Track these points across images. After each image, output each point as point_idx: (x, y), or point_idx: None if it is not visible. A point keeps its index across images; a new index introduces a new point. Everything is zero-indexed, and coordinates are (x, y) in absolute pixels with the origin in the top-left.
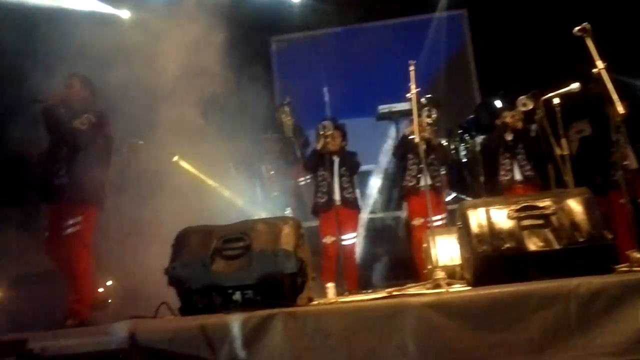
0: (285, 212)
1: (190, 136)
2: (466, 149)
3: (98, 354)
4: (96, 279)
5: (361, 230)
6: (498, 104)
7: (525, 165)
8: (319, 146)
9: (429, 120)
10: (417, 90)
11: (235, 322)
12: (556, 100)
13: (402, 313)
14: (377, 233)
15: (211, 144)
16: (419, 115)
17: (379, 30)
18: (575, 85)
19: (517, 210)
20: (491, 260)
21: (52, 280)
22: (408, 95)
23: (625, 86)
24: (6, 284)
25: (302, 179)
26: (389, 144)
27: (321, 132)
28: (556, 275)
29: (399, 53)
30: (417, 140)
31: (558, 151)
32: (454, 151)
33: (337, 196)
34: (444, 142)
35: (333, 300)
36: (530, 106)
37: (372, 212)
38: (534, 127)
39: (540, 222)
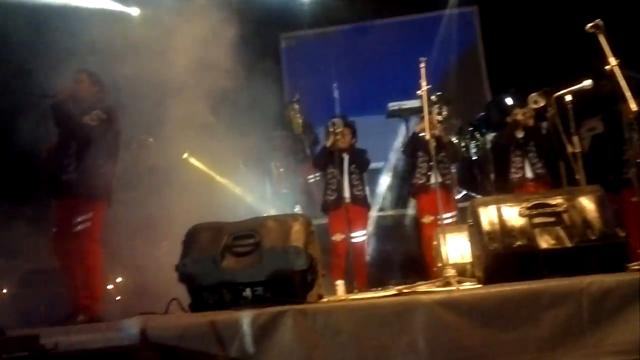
0: (295, 210)
1: (200, 133)
2: (477, 146)
3: (109, 350)
4: (106, 275)
5: (371, 227)
6: (509, 101)
7: (536, 163)
8: (328, 143)
9: (439, 118)
10: (428, 87)
11: (245, 318)
12: (568, 98)
13: (413, 311)
14: (386, 231)
15: (220, 141)
16: (429, 113)
17: (389, 27)
18: (587, 82)
19: (529, 208)
20: (502, 257)
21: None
22: (419, 92)
23: (638, 83)
24: (17, 280)
25: (311, 176)
26: (398, 142)
27: (331, 130)
28: (568, 273)
29: (409, 50)
30: (427, 137)
31: (570, 149)
32: (464, 149)
33: (346, 194)
34: (454, 140)
35: (343, 298)
36: (542, 103)
37: (381, 209)
38: (545, 124)
39: (552, 219)
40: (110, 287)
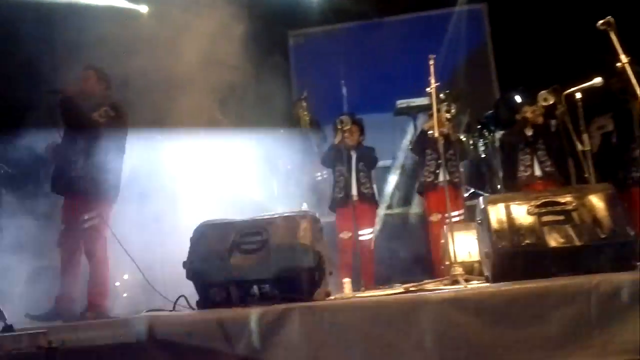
0: (302, 208)
1: (208, 129)
2: (485, 144)
3: (117, 347)
4: (113, 272)
5: (378, 225)
6: (518, 99)
7: (545, 161)
8: (336, 141)
9: (447, 116)
10: (437, 84)
11: (252, 316)
12: (578, 95)
13: (421, 309)
14: (393, 229)
15: (228, 137)
16: (438, 111)
17: (397, 24)
18: (597, 80)
19: (538, 206)
20: (511, 256)
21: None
22: (428, 89)
23: None
24: (26, 277)
25: (319, 174)
26: (407, 139)
27: (339, 127)
28: (577, 271)
29: (417, 48)
30: (436, 135)
31: (579, 147)
32: (473, 146)
33: (354, 191)
34: (463, 138)
35: (350, 296)
36: (551, 101)
37: (389, 207)
38: (554, 122)
39: (561, 218)
40: (117, 284)
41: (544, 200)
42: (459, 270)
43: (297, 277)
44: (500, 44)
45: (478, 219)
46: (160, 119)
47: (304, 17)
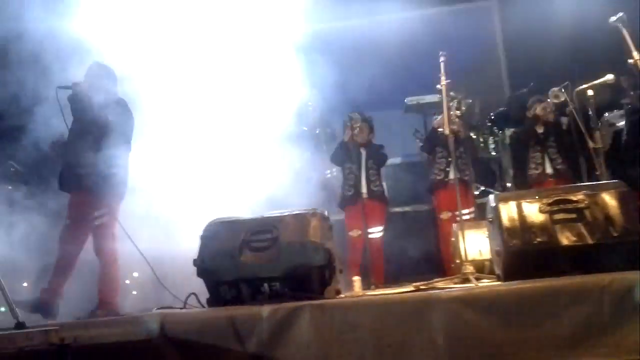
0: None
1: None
2: (495, 142)
3: (128, 344)
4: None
5: (387, 223)
6: (528, 96)
7: (556, 158)
8: (346, 138)
9: (457, 113)
10: (447, 82)
11: (263, 314)
12: (589, 92)
13: (431, 307)
14: (403, 226)
15: (238, 135)
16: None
17: (407, 21)
18: (609, 77)
19: (550, 204)
20: (522, 254)
21: (81, 271)
22: (438, 86)
23: None
24: (36, 274)
25: (328, 171)
26: (416, 137)
27: (348, 125)
28: (589, 270)
29: (427, 45)
30: (446, 132)
31: (591, 144)
32: (483, 144)
33: (364, 189)
34: (473, 135)
35: (361, 294)
36: (562, 98)
37: (398, 205)
38: (564, 119)
39: (573, 216)
40: (127, 281)
41: (555, 198)
42: (469, 268)
43: (308, 275)
44: (510, 41)
45: (489, 216)
46: (170, 112)
47: (312, 12)
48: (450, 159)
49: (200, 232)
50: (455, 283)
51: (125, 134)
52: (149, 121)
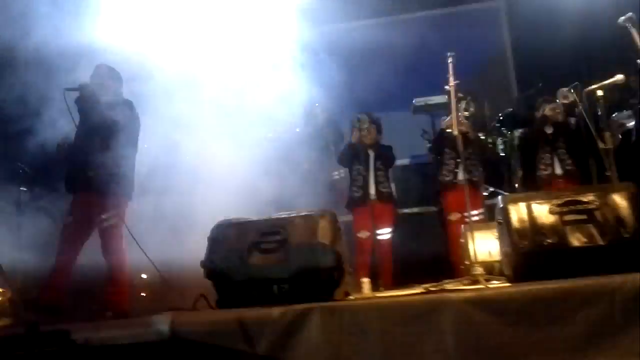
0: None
1: (225, 128)
2: (504, 142)
3: (138, 346)
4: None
5: (396, 225)
6: (536, 96)
7: (565, 159)
8: (353, 139)
9: (466, 114)
10: (455, 82)
11: (272, 315)
12: (599, 93)
13: (441, 309)
14: (411, 228)
15: (246, 136)
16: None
17: (415, 22)
18: (618, 77)
19: (560, 205)
20: (532, 256)
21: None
22: (446, 87)
23: None
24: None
25: (335, 172)
26: (424, 138)
27: (356, 126)
28: (600, 272)
29: (435, 45)
30: (455, 133)
31: (600, 145)
32: (491, 145)
33: (372, 190)
34: (481, 136)
35: (370, 296)
36: (571, 98)
37: (407, 206)
38: (573, 120)
39: (583, 217)
40: (135, 282)
41: (566, 199)
42: (479, 269)
43: (317, 276)
44: (518, 41)
45: (498, 218)
46: (179, 114)
47: (319, 14)
48: (459, 160)
49: (209, 234)
50: (465, 285)
51: (132, 135)
52: (156, 122)
